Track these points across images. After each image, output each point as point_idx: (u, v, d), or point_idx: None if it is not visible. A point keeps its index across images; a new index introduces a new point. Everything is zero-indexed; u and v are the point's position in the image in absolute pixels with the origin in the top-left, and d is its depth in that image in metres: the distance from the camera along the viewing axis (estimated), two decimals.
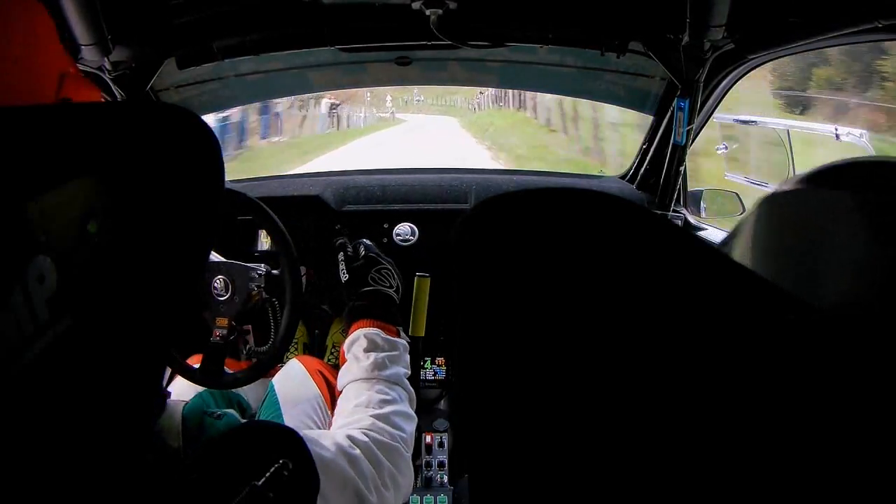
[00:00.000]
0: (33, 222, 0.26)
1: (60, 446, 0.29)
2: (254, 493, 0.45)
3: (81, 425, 0.30)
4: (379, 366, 0.79)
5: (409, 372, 0.84)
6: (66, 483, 0.30)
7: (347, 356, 0.83)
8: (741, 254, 0.35)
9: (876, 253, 0.27)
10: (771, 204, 0.34)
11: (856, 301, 0.27)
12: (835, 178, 0.31)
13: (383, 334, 0.84)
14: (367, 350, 0.81)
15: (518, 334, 0.24)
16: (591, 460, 0.21)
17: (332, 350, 1.47)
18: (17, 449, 0.27)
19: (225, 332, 1.05)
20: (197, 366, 1.07)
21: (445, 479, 1.39)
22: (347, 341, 0.84)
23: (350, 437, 0.66)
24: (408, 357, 0.86)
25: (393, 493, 0.67)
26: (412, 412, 0.79)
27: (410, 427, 0.76)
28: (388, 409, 0.74)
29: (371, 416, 0.72)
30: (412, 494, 1.36)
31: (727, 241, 0.36)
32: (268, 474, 0.46)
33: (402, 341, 0.87)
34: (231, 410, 0.57)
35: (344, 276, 0.97)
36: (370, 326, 0.84)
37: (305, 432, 0.59)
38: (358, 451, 0.65)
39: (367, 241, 1.04)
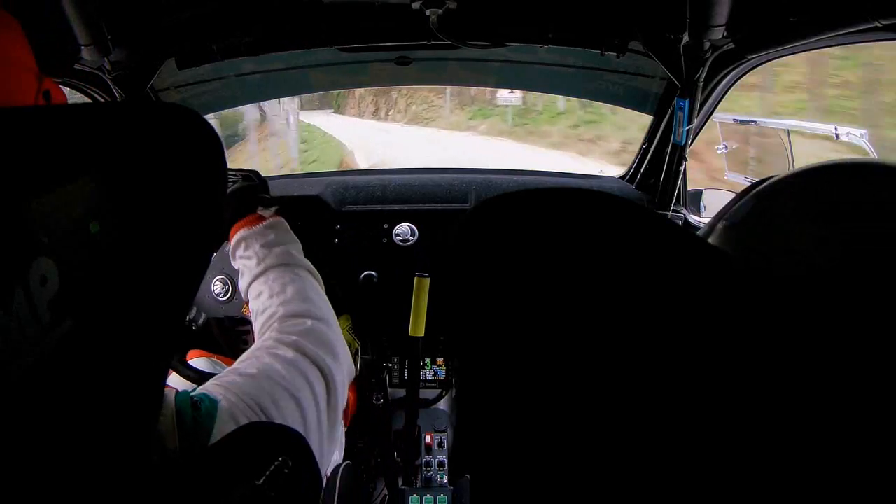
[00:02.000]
0: (35, 224, 0.26)
1: (64, 448, 0.29)
2: (254, 493, 0.45)
3: (85, 427, 0.30)
4: (260, 257, 0.77)
5: (298, 242, 0.82)
6: (69, 485, 0.30)
7: (236, 266, 0.81)
8: (720, 239, 0.35)
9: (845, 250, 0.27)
10: (753, 201, 0.34)
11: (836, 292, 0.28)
12: (797, 181, 0.32)
13: (249, 228, 0.81)
14: (245, 250, 0.79)
15: (518, 333, 0.24)
16: (591, 458, 0.21)
17: None
18: (20, 451, 0.27)
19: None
20: (196, 363, 1.07)
21: (445, 479, 1.40)
22: (230, 249, 0.82)
23: (280, 341, 0.65)
24: (286, 230, 0.83)
25: (335, 368, 0.66)
26: (313, 283, 0.77)
27: (319, 295, 0.74)
28: (289, 289, 0.72)
29: (279, 304, 0.70)
30: (412, 495, 1.36)
31: (709, 230, 0.37)
32: (268, 473, 0.46)
33: (271, 220, 0.82)
34: (206, 391, 0.56)
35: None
36: (236, 231, 0.81)
37: (238, 367, 0.59)
38: (291, 353, 0.63)
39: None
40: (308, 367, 0.63)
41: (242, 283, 0.79)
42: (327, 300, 0.76)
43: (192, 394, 0.54)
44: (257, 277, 0.76)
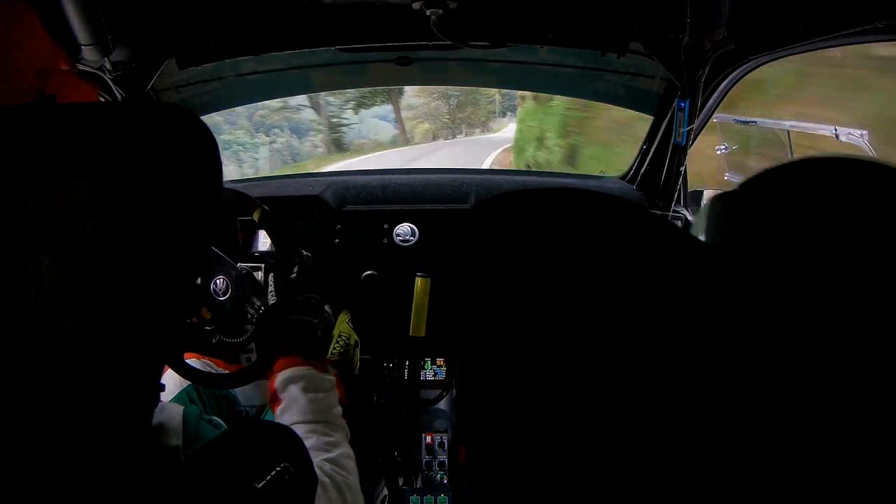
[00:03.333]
0: (34, 223, 0.26)
1: (64, 445, 0.29)
2: (254, 496, 0.45)
3: (83, 423, 0.30)
4: (318, 407, 0.80)
5: (340, 408, 0.85)
6: (70, 482, 0.30)
7: (282, 395, 0.82)
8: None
9: (814, 240, 0.28)
10: (710, 204, 0.35)
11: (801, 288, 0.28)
12: (769, 177, 0.33)
13: (316, 373, 0.83)
14: (304, 390, 0.81)
15: (518, 333, 0.24)
16: (591, 458, 0.21)
17: (338, 339, 1.47)
18: (22, 448, 0.26)
19: (203, 321, 1.08)
20: (192, 363, 1.08)
21: (446, 479, 1.39)
22: (279, 380, 0.83)
23: (317, 465, 0.68)
24: (333, 385, 0.86)
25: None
26: (352, 452, 0.80)
27: (355, 468, 0.78)
28: (335, 452, 0.75)
29: (324, 459, 0.73)
30: (413, 495, 1.36)
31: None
32: (269, 477, 0.46)
33: (330, 377, 0.86)
34: (221, 422, 0.58)
35: (272, 299, 0.96)
36: (301, 365, 0.83)
37: None
38: (327, 479, 0.67)
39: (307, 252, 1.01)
40: (334, 493, 0.67)
41: (285, 418, 0.80)
42: (355, 462, 0.79)
43: (207, 416, 0.55)
44: (307, 424, 0.79)
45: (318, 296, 0.97)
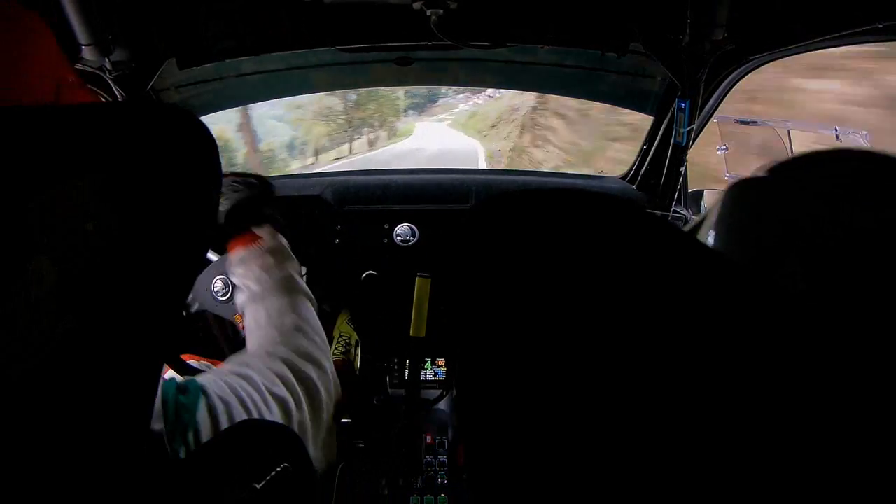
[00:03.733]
0: (33, 223, 0.26)
1: (63, 445, 0.29)
2: (254, 496, 0.45)
3: (83, 424, 0.30)
4: (259, 279, 0.77)
5: (297, 264, 0.82)
6: (68, 482, 0.30)
7: (234, 282, 0.81)
8: (705, 234, 0.36)
9: (840, 238, 0.27)
10: (735, 190, 0.35)
11: (824, 287, 0.28)
12: (796, 168, 0.32)
13: (248, 247, 0.80)
14: (245, 269, 0.79)
15: (518, 334, 0.24)
16: (591, 459, 0.21)
17: (339, 339, 1.47)
18: (19, 448, 0.26)
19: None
20: (192, 363, 1.08)
21: (445, 479, 1.39)
22: (230, 273, 0.82)
23: (271, 354, 0.66)
24: (284, 251, 0.82)
25: (321, 383, 0.68)
26: (308, 310, 0.77)
27: (311, 328, 0.74)
28: (286, 318, 0.73)
29: (275, 328, 0.71)
30: (412, 495, 1.36)
31: (697, 225, 0.38)
32: (268, 478, 0.46)
33: (272, 243, 0.82)
34: (192, 379, 0.57)
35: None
36: (236, 247, 0.81)
37: (228, 366, 0.60)
38: (281, 366, 0.65)
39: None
40: (294, 380, 0.65)
41: (239, 301, 0.79)
42: (318, 324, 0.76)
43: (179, 380, 0.55)
44: (256, 301, 0.77)
45: (230, 174, 0.91)
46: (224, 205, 0.87)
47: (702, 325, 0.22)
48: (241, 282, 0.80)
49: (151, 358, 0.37)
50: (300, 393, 0.64)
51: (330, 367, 0.72)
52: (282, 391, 0.62)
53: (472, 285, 0.27)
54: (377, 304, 1.45)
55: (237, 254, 0.81)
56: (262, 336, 0.73)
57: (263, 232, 0.84)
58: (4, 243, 0.24)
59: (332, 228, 1.46)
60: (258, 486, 0.45)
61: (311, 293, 0.80)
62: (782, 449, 0.19)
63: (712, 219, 0.35)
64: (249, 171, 0.93)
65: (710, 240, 0.35)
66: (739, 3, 0.99)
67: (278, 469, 0.47)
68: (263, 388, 0.60)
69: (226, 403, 0.55)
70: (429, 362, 1.53)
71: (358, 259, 1.45)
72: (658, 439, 0.20)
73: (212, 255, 1.17)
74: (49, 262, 0.26)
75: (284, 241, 0.85)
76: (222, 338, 1.10)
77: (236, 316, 1.07)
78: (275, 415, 0.60)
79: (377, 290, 1.45)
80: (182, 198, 0.36)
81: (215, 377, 0.58)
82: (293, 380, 0.65)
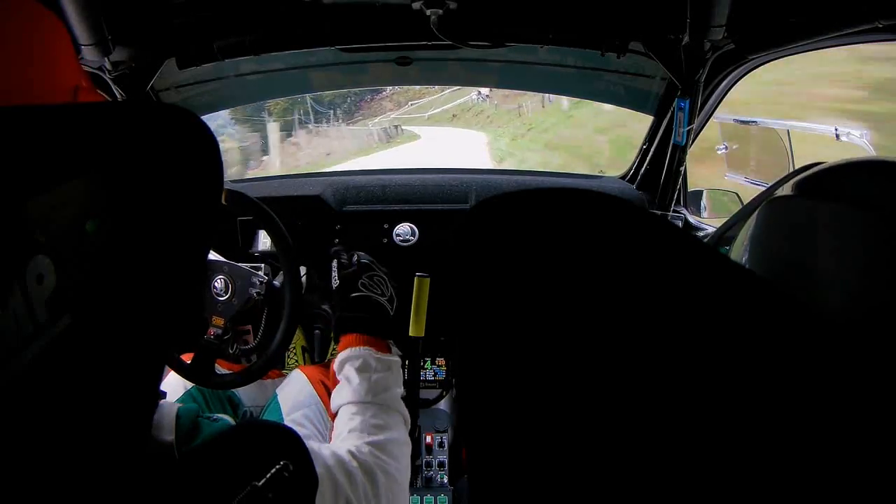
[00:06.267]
0: (32, 222, 0.26)
1: (60, 445, 0.29)
2: (254, 494, 0.45)
3: (81, 424, 0.30)
4: (372, 388, 0.76)
5: (404, 391, 0.82)
6: (65, 481, 0.30)
7: (339, 377, 0.80)
8: (739, 255, 0.35)
9: (871, 260, 0.27)
10: (769, 209, 0.34)
11: (859, 303, 0.28)
12: (827, 184, 0.32)
13: (375, 352, 0.80)
14: (359, 370, 0.78)
15: (518, 333, 0.24)
16: (591, 460, 0.21)
17: (333, 351, 1.48)
18: (16, 448, 0.26)
19: (220, 331, 1.06)
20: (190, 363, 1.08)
21: (445, 479, 1.39)
22: (338, 360, 0.81)
23: (350, 452, 0.65)
24: (401, 374, 0.83)
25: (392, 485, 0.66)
26: (407, 438, 0.76)
27: (406, 456, 0.73)
28: (382, 436, 0.71)
29: (366, 443, 0.70)
30: (412, 495, 1.36)
31: (720, 240, 0.38)
32: (268, 475, 0.46)
33: (395, 358, 0.83)
34: (225, 417, 0.57)
35: (335, 283, 0.92)
36: (361, 344, 0.81)
37: (308, 443, 0.58)
38: (356, 465, 0.63)
39: (363, 253, 0.99)
40: (362, 481, 0.63)
41: (339, 398, 0.78)
42: (409, 455, 0.76)
43: (210, 415, 0.54)
44: (358, 404, 0.75)
45: (384, 273, 0.92)
46: (362, 292, 0.88)
47: (703, 325, 0.22)
48: (346, 376, 0.79)
49: (151, 358, 0.37)
50: (362, 485, 0.63)
51: (405, 491, 0.70)
52: (350, 466, 0.61)
53: (471, 285, 0.27)
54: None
55: (357, 350, 0.80)
56: (349, 443, 0.71)
57: (390, 345, 0.85)
58: (4, 242, 0.24)
59: (331, 228, 1.46)
60: (259, 484, 0.45)
61: (408, 415, 0.80)
62: (780, 449, 0.19)
63: (745, 237, 0.35)
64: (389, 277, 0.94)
65: (744, 258, 0.35)
66: (739, 2, 0.98)
67: (278, 466, 0.47)
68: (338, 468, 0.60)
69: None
70: (429, 362, 1.53)
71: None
72: (658, 437, 0.20)
73: (213, 256, 1.17)
74: (48, 262, 0.26)
75: (400, 362, 0.85)
76: (201, 336, 1.11)
77: (214, 318, 1.07)
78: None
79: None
80: (184, 197, 0.36)
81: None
82: (364, 475, 0.64)
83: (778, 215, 0.34)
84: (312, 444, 0.59)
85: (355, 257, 0.94)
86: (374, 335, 0.83)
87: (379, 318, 0.87)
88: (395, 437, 0.73)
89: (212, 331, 1.06)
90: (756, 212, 0.35)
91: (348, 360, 0.80)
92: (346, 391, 0.77)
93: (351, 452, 0.65)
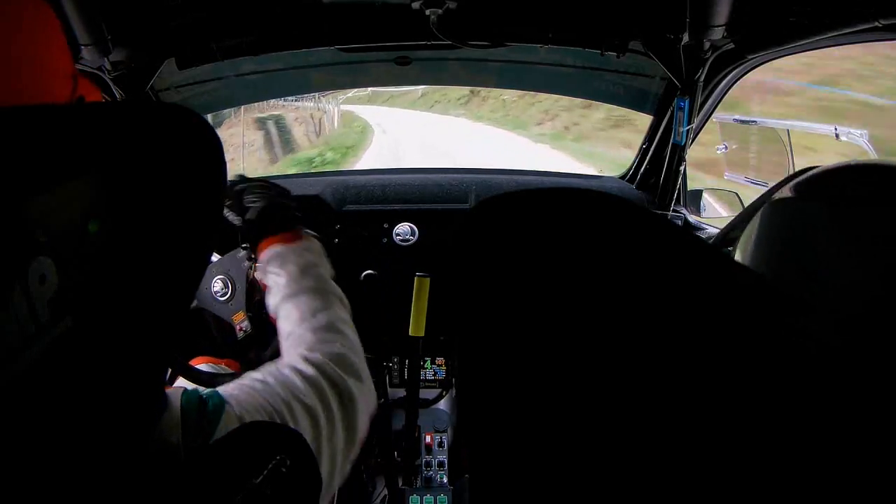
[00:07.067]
0: (34, 222, 0.26)
1: (62, 446, 0.29)
2: (252, 492, 0.45)
3: (83, 425, 0.30)
4: (296, 277, 0.76)
5: (332, 270, 0.81)
6: (67, 482, 0.30)
7: (266, 282, 0.80)
8: (742, 257, 0.36)
9: (857, 261, 0.28)
10: (768, 212, 0.35)
11: (856, 301, 0.28)
12: (824, 187, 0.33)
13: (287, 244, 0.80)
14: (279, 267, 0.78)
15: (518, 333, 0.24)
16: (591, 459, 0.21)
17: None
18: (18, 448, 0.27)
19: (246, 324, 1.05)
20: (201, 367, 1.07)
21: (445, 479, 1.39)
22: (259, 269, 0.81)
23: (303, 358, 0.64)
24: (323, 254, 0.83)
25: (358, 393, 0.65)
26: (346, 315, 0.75)
27: (350, 329, 0.73)
28: (320, 317, 0.71)
29: (308, 330, 0.69)
30: (412, 495, 1.36)
31: (723, 242, 0.38)
32: (265, 472, 0.46)
33: (309, 242, 0.83)
34: (211, 390, 0.56)
35: (237, 222, 0.91)
36: (272, 244, 0.81)
37: (255, 374, 0.58)
38: (313, 372, 0.62)
39: (232, 180, 0.98)
40: (327, 388, 0.62)
41: (272, 300, 0.78)
42: (355, 330, 0.75)
43: (202, 392, 0.53)
44: (289, 298, 0.75)
45: (255, 182, 0.93)
46: (257, 203, 0.88)
47: (706, 325, 0.22)
48: (274, 280, 0.78)
49: (153, 359, 0.37)
50: (333, 403, 0.62)
51: (367, 376, 0.69)
52: (311, 400, 0.60)
53: (471, 285, 0.27)
54: (377, 303, 1.45)
55: (271, 250, 0.80)
56: (295, 338, 0.70)
57: (299, 232, 0.84)
58: (5, 243, 0.24)
59: (331, 228, 1.46)
60: (257, 482, 0.45)
61: (345, 298, 0.79)
62: (778, 450, 0.19)
63: (748, 240, 0.35)
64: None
65: (747, 260, 0.35)
66: (739, 2, 0.98)
67: (274, 461, 0.47)
68: (291, 397, 0.58)
69: (250, 417, 0.54)
70: (428, 362, 1.53)
71: (357, 259, 1.45)
72: (659, 436, 0.20)
73: (213, 256, 1.17)
74: (50, 262, 0.26)
75: (318, 243, 0.84)
76: (221, 339, 1.10)
77: (234, 316, 1.07)
78: (302, 427, 0.57)
79: (377, 289, 1.45)
80: (186, 197, 0.36)
81: (239, 389, 0.56)
82: (327, 388, 0.62)
83: (777, 217, 0.34)
84: (261, 374, 0.58)
85: (231, 192, 0.93)
86: (281, 231, 0.83)
87: (276, 214, 0.86)
88: (335, 314, 0.73)
89: (240, 328, 1.05)
90: (758, 214, 0.35)
91: (268, 263, 0.80)
92: (274, 291, 0.77)
93: (304, 357, 0.64)
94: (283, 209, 0.88)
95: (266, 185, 0.91)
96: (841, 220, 0.30)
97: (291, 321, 0.73)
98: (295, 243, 0.81)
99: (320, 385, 0.62)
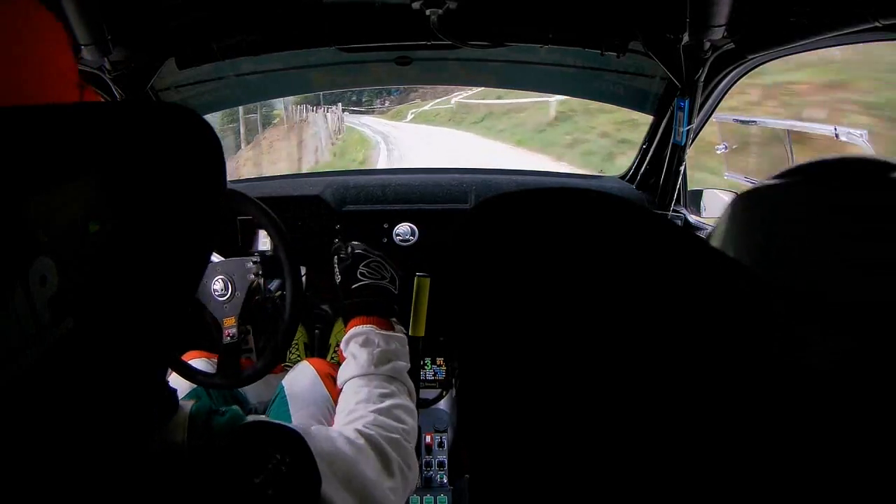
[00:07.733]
0: (34, 223, 0.26)
1: (62, 446, 0.29)
2: (252, 492, 0.45)
3: (83, 426, 0.30)
4: (375, 361, 0.79)
5: (409, 365, 0.84)
6: (68, 483, 0.30)
7: (345, 354, 0.84)
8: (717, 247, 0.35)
9: (822, 248, 0.27)
10: (738, 202, 0.35)
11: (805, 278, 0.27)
12: (789, 173, 0.32)
13: (377, 329, 0.83)
14: (363, 345, 0.81)
15: (518, 334, 0.24)
16: (591, 459, 0.21)
17: (335, 350, 1.47)
18: (18, 450, 0.27)
19: (234, 331, 1.06)
20: (195, 364, 1.07)
21: (445, 479, 1.39)
22: (344, 339, 0.85)
23: (356, 430, 0.66)
24: (406, 350, 0.86)
25: (401, 483, 0.66)
26: (412, 405, 0.79)
27: (412, 419, 0.76)
28: (387, 402, 0.74)
29: (371, 411, 0.72)
30: (412, 495, 1.36)
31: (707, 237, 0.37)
32: (265, 472, 0.46)
33: (398, 334, 0.86)
34: (234, 407, 0.56)
35: (338, 279, 0.96)
36: (364, 323, 0.84)
37: (310, 428, 0.58)
38: (363, 442, 0.64)
39: (356, 242, 1.02)
40: (373, 456, 0.64)
41: (345, 372, 0.80)
42: (415, 418, 0.78)
43: (223, 409, 0.54)
44: (363, 377, 0.78)
45: (378, 257, 0.96)
46: (366, 280, 0.92)
47: (706, 326, 0.22)
48: (351, 353, 0.82)
49: (153, 359, 0.37)
50: (373, 460, 0.63)
51: (414, 464, 0.71)
52: (358, 458, 0.61)
53: (472, 285, 0.27)
54: None
55: (361, 328, 0.84)
56: (357, 416, 0.72)
57: (394, 323, 0.88)
58: (5, 243, 0.24)
59: (331, 228, 1.46)
60: (257, 481, 0.45)
61: (412, 386, 0.83)
62: (777, 451, 0.19)
63: (719, 232, 0.35)
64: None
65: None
66: (739, 2, 0.98)
67: (274, 461, 0.47)
68: (337, 454, 0.59)
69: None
70: (429, 362, 1.53)
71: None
72: (660, 436, 0.20)
73: (213, 257, 1.17)
74: (51, 263, 0.26)
75: (404, 337, 0.88)
76: (220, 339, 1.10)
77: (226, 319, 1.07)
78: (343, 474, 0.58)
79: None
80: (187, 197, 0.36)
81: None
82: (372, 457, 0.64)
83: (739, 208, 0.34)
84: (315, 430, 0.59)
85: (349, 248, 0.97)
86: (377, 315, 0.87)
87: (381, 299, 0.90)
88: (400, 403, 0.76)
89: (228, 332, 1.06)
90: (727, 208, 0.35)
91: (353, 338, 0.83)
92: (351, 365, 0.80)
93: (358, 430, 0.66)
94: (387, 297, 0.91)
95: (383, 265, 0.95)
96: (792, 193, 0.30)
97: (358, 398, 0.75)
98: (384, 329, 0.85)
99: (365, 453, 0.63)
